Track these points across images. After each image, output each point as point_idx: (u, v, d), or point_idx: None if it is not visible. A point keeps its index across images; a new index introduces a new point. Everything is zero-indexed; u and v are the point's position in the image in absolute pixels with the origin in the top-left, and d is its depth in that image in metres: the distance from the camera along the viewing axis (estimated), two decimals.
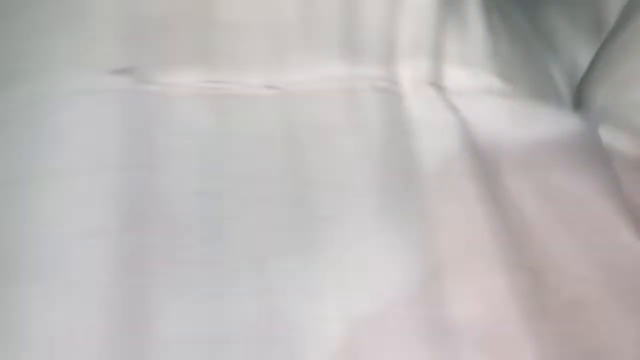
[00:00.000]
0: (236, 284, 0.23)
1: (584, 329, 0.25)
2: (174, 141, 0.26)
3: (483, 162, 0.28)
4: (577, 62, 0.38)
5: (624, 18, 0.35)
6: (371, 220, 0.25)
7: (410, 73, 0.30)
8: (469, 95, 0.31)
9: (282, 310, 0.23)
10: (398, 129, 0.28)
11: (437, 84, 0.30)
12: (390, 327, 0.23)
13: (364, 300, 0.23)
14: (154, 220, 0.24)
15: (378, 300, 0.23)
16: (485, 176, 0.28)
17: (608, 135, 0.33)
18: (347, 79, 0.29)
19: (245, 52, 0.28)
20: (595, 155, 0.31)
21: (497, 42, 0.33)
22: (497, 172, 0.28)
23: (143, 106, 0.26)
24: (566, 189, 0.29)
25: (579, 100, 0.36)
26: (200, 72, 0.28)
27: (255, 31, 0.29)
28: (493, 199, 0.27)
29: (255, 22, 0.29)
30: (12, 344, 0.21)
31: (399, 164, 0.27)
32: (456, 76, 0.31)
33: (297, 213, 0.25)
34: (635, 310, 0.26)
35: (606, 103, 0.34)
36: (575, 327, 0.25)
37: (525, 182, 0.28)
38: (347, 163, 0.27)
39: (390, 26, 0.30)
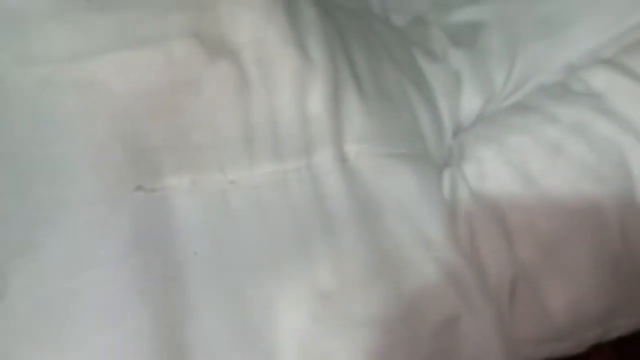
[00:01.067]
0: None
1: None
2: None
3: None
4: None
5: None
6: None
7: (322, 160, 0.43)
8: (361, 162, 0.44)
9: None
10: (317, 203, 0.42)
11: (343, 160, 0.44)
12: None
13: None
14: None
15: None
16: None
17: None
18: (280, 172, 0.42)
19: (213, 161, 0.41)
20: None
21: (372, 114, 0.46)
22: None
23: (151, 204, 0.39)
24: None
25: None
26: (184, 177, 0.40)
27: (217, 146, 0.41)
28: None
29: (214, 139, 0.41)
30: None
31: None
32: (352, 150, 0.45)
33: None
34: None
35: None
36: None
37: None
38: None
39: (303, 129, 0.43)
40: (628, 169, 0.47)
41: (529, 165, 0.48)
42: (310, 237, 0.40)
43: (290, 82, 0.42)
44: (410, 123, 0.48)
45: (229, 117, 0.41)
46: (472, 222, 0.47)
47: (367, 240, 0.42)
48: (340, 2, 0.56)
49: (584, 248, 0.47)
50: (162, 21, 0.41)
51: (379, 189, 0.43)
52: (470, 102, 0.54)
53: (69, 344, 0.35)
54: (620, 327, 0.50)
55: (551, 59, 0.53)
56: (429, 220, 0.44)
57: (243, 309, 0.39)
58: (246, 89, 0.41)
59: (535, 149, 0.48)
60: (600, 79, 0.50)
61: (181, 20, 0.41)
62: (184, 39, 0.40)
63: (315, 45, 0.44)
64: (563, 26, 0.53)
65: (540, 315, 0.46)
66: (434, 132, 0.50)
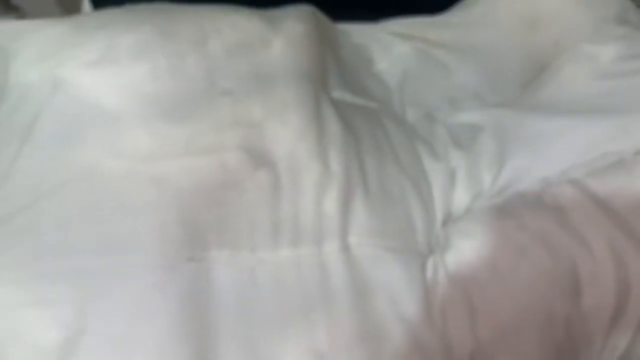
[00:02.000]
0: None
1: None
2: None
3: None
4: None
5: None
6: None
7: (330, 248, 0.56)
8: (361, 251, 0.57)
9: None
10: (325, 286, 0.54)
11: (346, 249, 0.56)
12: None
13: None
14: None
15: None
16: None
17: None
18: (296, 256, 0.54)
19: (247, 242, 0.54)
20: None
21: (373, 213, 0.58)
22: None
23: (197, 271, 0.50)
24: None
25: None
26: (224, 252, 0.52)
27: (252, 232, 0.54)
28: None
29: (250, 227, 0.54)
30: None
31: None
32: (354, 241, 0.57)
33: None
34: None
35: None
36: None
37: None
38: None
39: (318, 224, 0.56)
40: (577, 274, 0.58)
41: (498, 262, 0.60)
42: (313, 308, 0.53)
43: (312, 189, 0.55)
44: (405, 220, 0.60)
45: (263, 213, 0.54)
46: (446, 303, 0.58)
47: (357, 314, 0.54)
48: (362, 102, 0.68)
49: (533, 334, 0.59)
50: (220, 135, 0.53)
51: (372, 274, 0.56)
52: (461, 197, 0.66)
53: None
54: None
55: (531, 173, 0.64)
56: (408, 302, 0.56)
57: (255, 358, 0.52)
58: (278, 191, 0.54)
59: (505, 250, 0.60)
60: (567, 197, 0.61)
61: (234, 136, 0.54)
62: (235, 151, 0.53)
63: (335, 157, 0.56)
64: (545, 147, 0.64)
65: None
66: (425, 224, 0.62)
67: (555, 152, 0.64)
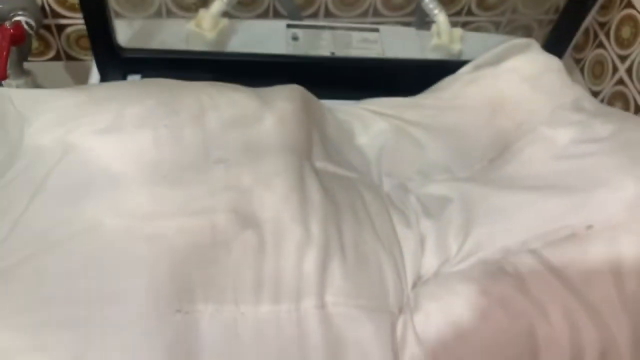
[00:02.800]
0: None
1: None
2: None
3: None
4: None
5: None
6: None
7: (307, 305, 0.60)
8: (336, 310, 0.61)
9: None
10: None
11: (322, 307, 0.61)
12: None
13: None
14: None
15: None
16: None
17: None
18: (275, 312, 0.59)
19: (231, 297, 0.58)
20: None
21: (348, 276, 0.63)
22: None
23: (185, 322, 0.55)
24: None
25: None
26: (209, 305, 0.56)
27: (236, 288, 0.59)
28: None
29: (234, 283, 0.59)
30: None
31: None
32: (330, 300, 0.62)
33: None
34: None
35: None
36: None
37: None
38: None
39: (297, 282, 0.61)
40: (534, 338, 0.63)
41: (462, 324, 0.65)
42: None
43: (294, 249, 0.60)
44: (378, 283, 0.66)
45: (247, 270, 0.59)
46: None
47: None
48: (343, 172, 0.75)
49: None
50: (212, 199, 0.59)
51: (346, 331, 0.60)
52: (430, 262, 0.72)
53: None
54: None
55: (493, 242, 0.70)
56: (378, 358, 0.60)
57: None
58: (262, 252, 0.60)
59: (469, 313, 0.65)
60: (525, 266, 0.67)
61: (225, 200, 0.60)
62: (225, 213, 0.59)
63: (315, 223, 0.62)
64: (507, 219, 0.71)
65: None
66: (396, 286, 0.67)
67: (515, 224, 0.70)
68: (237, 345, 0.57)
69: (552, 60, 0.85)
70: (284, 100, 0.73)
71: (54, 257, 0.57)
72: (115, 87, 0.73)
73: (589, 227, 0.67)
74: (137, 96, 0.66)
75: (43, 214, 0.59)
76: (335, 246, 0.64)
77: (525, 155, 0.77)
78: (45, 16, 1.15)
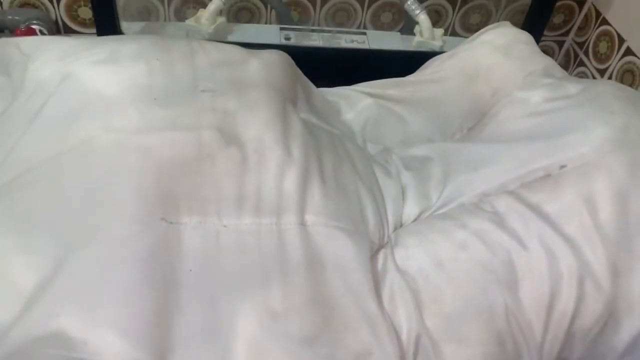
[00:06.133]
0: None
1: None
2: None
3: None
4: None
5: None
6: None
7: (288, 220, 0.63)
8: (315, 229, 0.63)
9: None
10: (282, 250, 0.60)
11: (302, 224, 0.63)
12: None
13: None
14: None
15: None
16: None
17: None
18: (257, 224, 0.62)
19: (214, 210, 0.61)
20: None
21: (328, 198, 0.66)
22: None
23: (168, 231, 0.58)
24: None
25: None
26: (193, 218, 0.59)
27: (219, 201, 0.61)
28: None
29: (217, 196, 0.62)
30: None
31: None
32: (310, 219, 0.64)
33: None
34: None
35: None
36: None
37: None
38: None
39: (278, 199, 0.63)
40: (513, 267, 0.64)
41: (440, 255, 0.66)
42: (270, 271, 0.58)
43: (275, 168, 0.63)
44: (357, 211, 0.68)
45: (230, 183, 0.61)
46: (394, 288, 0.63)
47: (310, 281, 0.59)
48: (327, 127, 0.78)
49: (476, 323, 0.63)
50: (199, 117, 0.63)
51: (325, 249, 0.61)
52: (411, 210, 0.73)
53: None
54: None
55: (471, 188, 0.72)
56: (357, 276, 0.61)
57: (214, 313, 0.55)
58: (245, 167, 0.62)
59: (446, 244, 0.66)
60: (503, 203, 0.69)
61: (211, 119, 0.63)
62: (211, 130, 0.62)
63: (296, 147, 0.65)
64: (483, 166, 0.73)
65: None
66: (376, 221, 0.69)
67: (491, 170, 0.73)
68: (219, 254, 0.58)
69: (522, 34, 0.91)
70: (270, 53, 0.78)
71: (44, 171, 0.60)
72: (113, 36, 0.79)
73: (562, 167, 0.70)
74: (134, 38, 0.71)
75: (36, 139, 0.62)
76: (315, 171, 0.66)
77: (501, 116, 0.81)
78: (58, 30, 1.23)
